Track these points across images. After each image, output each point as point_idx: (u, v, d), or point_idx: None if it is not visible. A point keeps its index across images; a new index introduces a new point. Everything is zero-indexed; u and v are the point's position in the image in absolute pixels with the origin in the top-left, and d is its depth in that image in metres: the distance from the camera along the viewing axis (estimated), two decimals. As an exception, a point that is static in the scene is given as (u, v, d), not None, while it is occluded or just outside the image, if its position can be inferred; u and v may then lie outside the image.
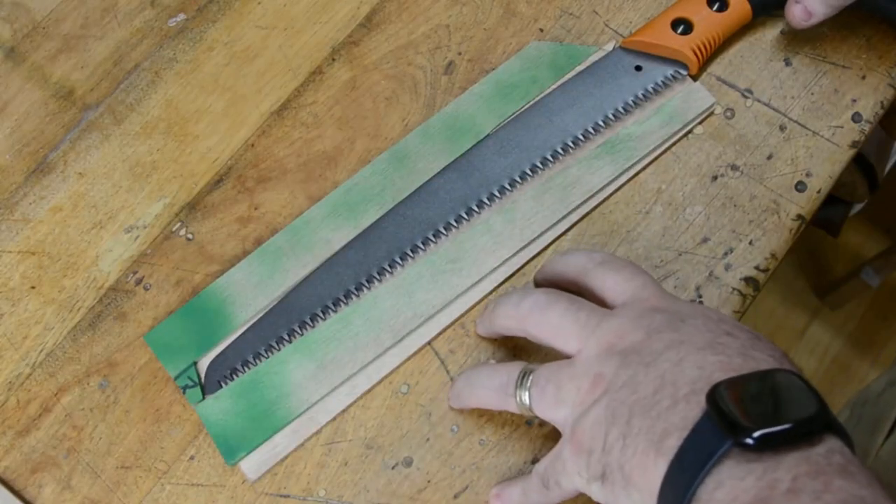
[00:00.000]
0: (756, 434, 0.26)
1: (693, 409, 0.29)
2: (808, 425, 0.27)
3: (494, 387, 0.37)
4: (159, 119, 0.49)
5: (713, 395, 0.28)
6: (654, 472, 0.29)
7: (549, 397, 0.34)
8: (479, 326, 0.42)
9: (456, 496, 0.40)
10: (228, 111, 0.49)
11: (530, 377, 0.35)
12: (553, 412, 0.34)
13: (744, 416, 0.27)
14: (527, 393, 0.35)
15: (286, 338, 0.43)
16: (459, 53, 0.49)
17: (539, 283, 0.42)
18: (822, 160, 0.44)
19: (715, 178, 0.44)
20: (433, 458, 0.40)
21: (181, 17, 0.52)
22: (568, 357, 0.35)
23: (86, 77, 0.51)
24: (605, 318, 0.34)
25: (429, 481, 0.40)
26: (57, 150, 0.49)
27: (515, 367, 0.36)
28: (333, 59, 0.49)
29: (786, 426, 0.27)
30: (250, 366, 0.42)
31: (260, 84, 0.49)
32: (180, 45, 0.51)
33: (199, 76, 0.50)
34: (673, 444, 0.29)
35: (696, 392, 0.29)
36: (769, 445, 0.27)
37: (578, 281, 0.38)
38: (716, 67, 0.47)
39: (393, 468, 0.40)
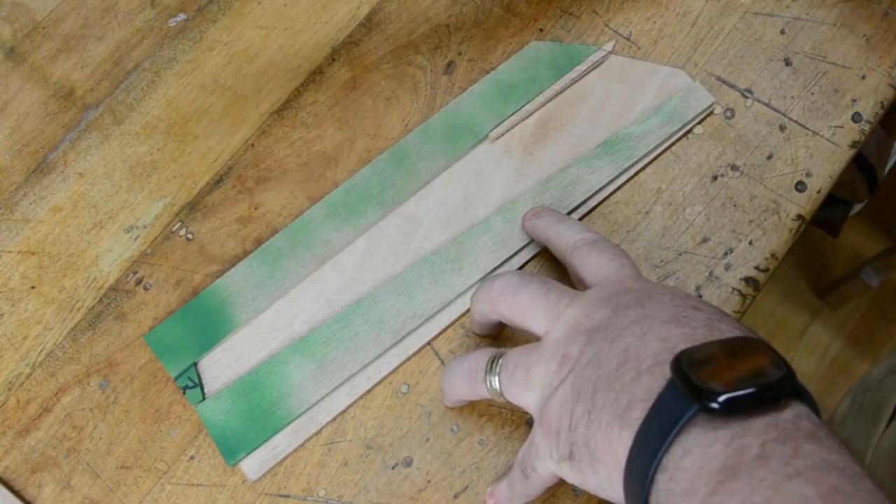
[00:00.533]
0: (722, 398, 0.26)
1: (657, 380, 0.28)
2: (775, 389, 0.26)
3: (464, 373, 0.36)
4: (159, 119, 0.49)
5: (678, 362, 0.27)
6: (619, 445, 0.28)
7: (519, 381, 0.34)
8: (471, 322, 0.42)
9: (456, 496, 0.40)
10: (228, 111, 0.49)
11: (500, 361, 0.35)
12: (523, 396, 0.34)
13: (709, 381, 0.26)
14: (497, 378, 0.35)
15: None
16: (459, 53, 0.49)
17: (527, 232, 0.42)
18: (822, 160, 0.44)
19: (715, 178, 0.44)
20: (433, 458, 0.40)
21: (181, 17, 0.52)
22: (539, 339, 0.35)
23: (86, 77, 0.51)
24: (575, 298, 0.34)
25: (429, 481, 0.40)
26: (57, 150, 0.49)
27: (486, 353, 0.36)
28: (333, 59, 0.49)
29: (751, 390, 0.26)
30: (250, 366, 0.42)
31: (260, 84, 0.49)
32: (180, 45, 0.51)
33: (199, 76, 0.50)
34: (637, 415, 0.28)
35: (659, 364, 0.29)
36: (736, 410, 0.26)
37: (564, 256, 0.38)
38: (716, 67, 0.47)
39: (393, 468, 0.40)
